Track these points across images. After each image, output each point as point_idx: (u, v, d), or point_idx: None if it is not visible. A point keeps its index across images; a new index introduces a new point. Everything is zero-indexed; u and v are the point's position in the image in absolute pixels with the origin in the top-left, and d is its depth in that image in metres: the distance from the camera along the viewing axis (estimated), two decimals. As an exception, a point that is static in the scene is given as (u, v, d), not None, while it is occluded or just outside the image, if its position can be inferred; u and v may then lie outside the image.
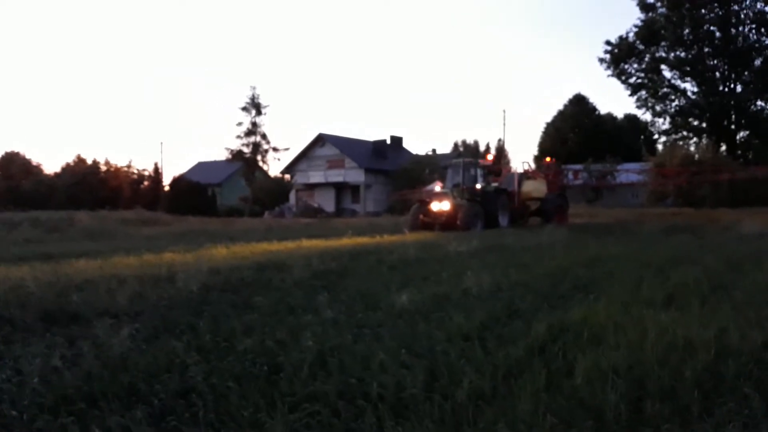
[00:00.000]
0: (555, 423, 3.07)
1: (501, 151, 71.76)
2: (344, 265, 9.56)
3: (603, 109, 75.56)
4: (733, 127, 52.31)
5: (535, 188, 27.22)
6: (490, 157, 29.36)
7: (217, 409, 3.49)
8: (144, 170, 60.30)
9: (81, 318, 5.66)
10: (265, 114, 49.19)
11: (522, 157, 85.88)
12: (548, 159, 31.74)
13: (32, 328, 5.33)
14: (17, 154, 60.94)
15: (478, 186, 24.16)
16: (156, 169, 59.60)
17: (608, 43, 53.26)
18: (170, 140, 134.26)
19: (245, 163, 49.78)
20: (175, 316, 5.80)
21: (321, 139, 56.36)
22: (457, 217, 22.30)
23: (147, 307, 6.21)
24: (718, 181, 38.39)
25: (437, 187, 25.75)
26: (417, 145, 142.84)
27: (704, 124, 51.87)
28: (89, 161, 58.68)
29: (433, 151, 66.63)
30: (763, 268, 8.71)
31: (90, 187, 51.70)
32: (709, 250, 11.78)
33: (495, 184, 25.85)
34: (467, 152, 70.24)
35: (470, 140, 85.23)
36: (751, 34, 49.81)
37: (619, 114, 75.54)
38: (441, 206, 22.94)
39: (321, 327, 5.35)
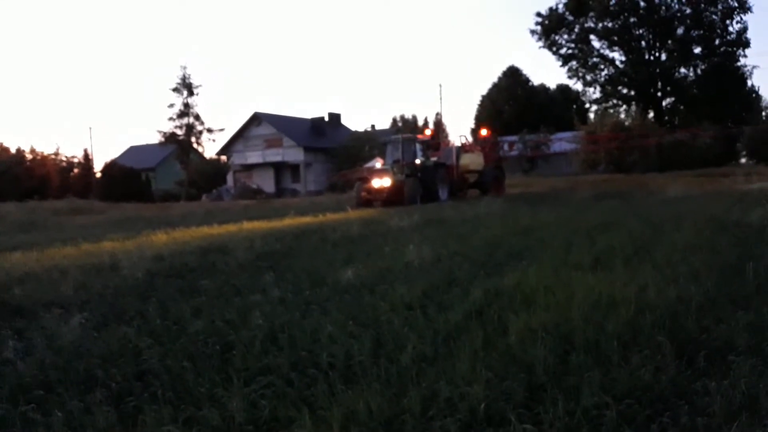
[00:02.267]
0: (491, 377, 3.37)
1: (439, 125, 72.50)
2: (288, 246, 9.71)
3: (536, 81, 77.13)
4: (659, 94, 54.42)
5: (473, 161, 27.78)
6: (428, 132, 29.72)
7: (174, 388, 3.64)
8: (73, 157, 57.93)
9: (25, 311, 5.65)
10: (197, 94, 48.22)
11: (460, 130, 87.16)
12: (485, 132, 32.31)
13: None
14: (-67, 145, 57.62)
15: (418, 161, 24.53)
16: (86, 156, 57.41)
17: (539, 14, 54.46)
18: (100, 125, 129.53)
19: (179, 146, 48.73)
20: (122, 304, 5.86)
21: (257, 119, 55.53)
22: (398, 193, 22.66)
23: (93, 296, 6.23)
24: (646, 146, 40.07)
25: (377, 164, 25.99)
26: (356, 121, 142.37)
27: (632, 92, 53.75)
28: (13, 150, 56.05)
29: (372, 127, 66.66)
30: (681, 228, 9.35)
31: (16, 177, 49.39)
32: (635, 214, 12.46)
33: (434, 159, 26.29)
34: (406, 127, 70.57)
35: (409, 115, 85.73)
36: (673, 3, 51.75)
37: (552, 85, 77.29)
38: (382, 183, 23.23)
39: (269, 306, 5.52)
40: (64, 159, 57.30)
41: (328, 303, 5.57)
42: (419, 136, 26.70)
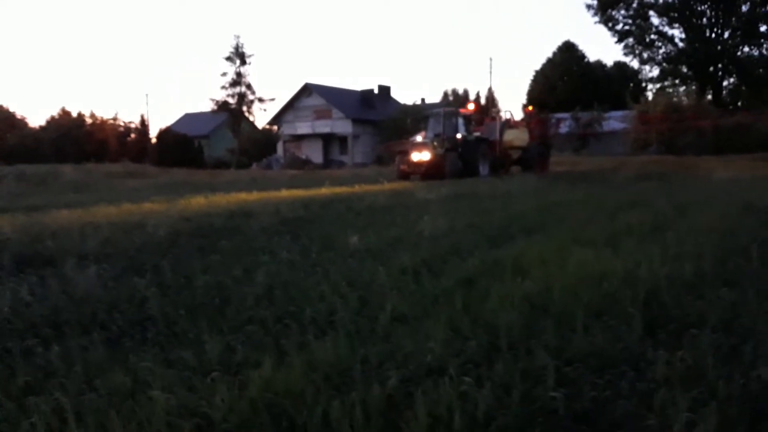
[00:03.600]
0: (452, 336, 3.55)
1: (491, 99, 71.62)
2: (313, 213, 10.01)
3: (592, 57, 75.11)
4: (720, 74, 52.27)
5: (517, 137, 27.50)
6: (471, 106, 29.51)
7: (168, 333, 3.96)
8: (130, 123, 59.96)
9: (54, 261, 6.08)
10: (249, 64, 48.98)
11: (513, 105, 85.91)
12: (530, 108, 31.88)
13: (7, 269, 5.76)
14: (1, 107, 60.35)
15: (459, 135, 24.43)
16: (142, 122, 59.19)
17: (596, -13, 52.68)
18: (157, 92, 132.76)
19: (231, 115, 49.68)
20: (142, 258, 6.25)
21: (307, 89, 56.02)
22: (438, 167, 22.68)
23: (117, 250, 6.65)
24: (701, 128, 38.72)
25: (419, 137, 26.04)
26: (406, 95, 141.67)
27: (691, 72, 51.77)
28: (74, 114, 58.29)
29: (422, 100, 66.30)
30: (705, 210, 9.21)
31: (76, 140, 51.47)
32: (669, 195, 12.26)
33: (477, 134, 26.12)
34: (456, 101, 69.98)
35: (460, 90, 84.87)
36: (739, -21, 49.35)
37: (609, 61, 75.15)
38: (421, 156, 23.29)
39: (276, 266, 5.81)
40: (122, 124, 59.33)
41: (332, 266, 5.82)
42: (462, 110, 26.53)
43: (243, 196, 14.19)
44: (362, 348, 3.44)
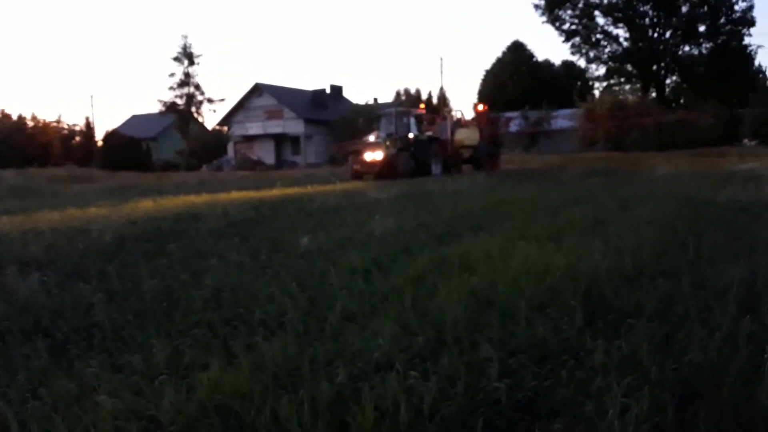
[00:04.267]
0: (400, 333, 3.63)
1: (442, 99, 72.27)
2: (262, 214, 9.97)
3: (541, 56, 76.42)
4: (662, 72, 54.05)
5: (468, 136, 27.84)
6: (421, 106, 29.75)
7: (115, 339, 3.92)
8: (75, 125, 58.25)
9: (-3, 267, 5.91)
10: (198, 64, 48.33)
11: (464, 104, 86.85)
12: (480, 107, 32.33)
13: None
14: (-64, 110, 57.83)
15: (411, 135, 24.62)
16: (87, 124, 57.66)
17: (543, -13, 53.86)
18: (102, 93, 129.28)
19: (179, 116, 48.89)
20: (86, 264, 6.13)
21: (258, 90, 55.49)
22: (390, 167, 22.80)
23: (61, 256, 6.50)
24: (645, 125, 40.01)
25: (372, 137, 26.11)
26: (359, 94, 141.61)
27: (635, 70, 53.40)
28: (15, 117, 56.28)
29: (375, 100, 66.40)
30: (647, 205, 9.56)
31: (17, 144, 49.71)
32: (612, 191, 12.65)
33: (428, 133, 26.35)
34: (409, 101, 70.36)
35: (413, 89, 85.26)
36: (677, -20, 51.11)
37: (557, 60, 76.75)
38: (374, 156, 23.37)
39: (224, 268, 5.79)
40: (65, 127, 57.55)
41: (282, 267, 5.82)
42: (413, 110, 26.74)
43: (191, 198, 14.00)
44: (311, 347, 3.48)
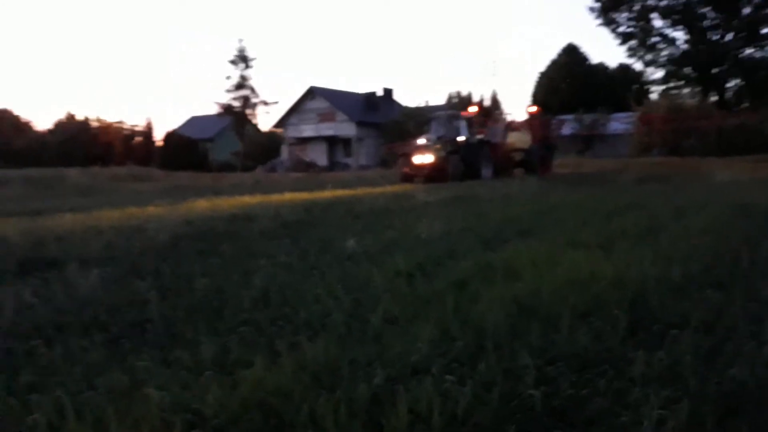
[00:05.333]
0: (438, 336, 3.67)
1: (495, 102, 71.78)
2: (313, 216, 10.14)
3: (596, 59, 74.97)
4: (723, 76, 52.12)
5: (519, 139, 27.61)
6: (473, 109, 29.59)
7: (166, 335, 4.09)
8: (136, 126, 60.32)
9: (57, 264, 6.22)
10: (253, 67, 49.20)
11: (517, 108, 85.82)
12: (533, 109, 31.95)
13: (12, 273, 5.91)
14: (7, 111, 60.70)
15: (461, 138, 24.55)
16: (148, 125, 59.59)
17: (598, -10, 52.61)
18: (163, 95, 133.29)
19: (235, 118, 49.98)
20: (143, 262, 6.38)
21: (312, 93, 56.29)
22: (440, 170, 22.80)
23: (119, 254, 6.78)
24: (704, 130, 38.72)
25: (422, 140, 26.16)
26: (410, 97, 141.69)
27: (694, 74, 51.66)
28: (80, 118, 58.63)
29: (426, 103, 66.49)
30: (701, 213, 9.30)
31: (82, 143, 51.82)
32: (667, 197, 12.35)
33: (479, 136, 26.23)
34: (461, 104, 70.11)
35: (465, 92, 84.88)
36: (740, -20, 49.21)
37: (613, 63, 75.25)
38: (423, 159, 23.42)
39: (273, 269, 5.94)
40: (127, 127, 59.59)
41: (328, 269, 5.94)
42: (463, 113, 26.64)
43: (246, 199, 14.34)
44: (352, 349, 3.56)
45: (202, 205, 13.03)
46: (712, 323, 3.98)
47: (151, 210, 11.93)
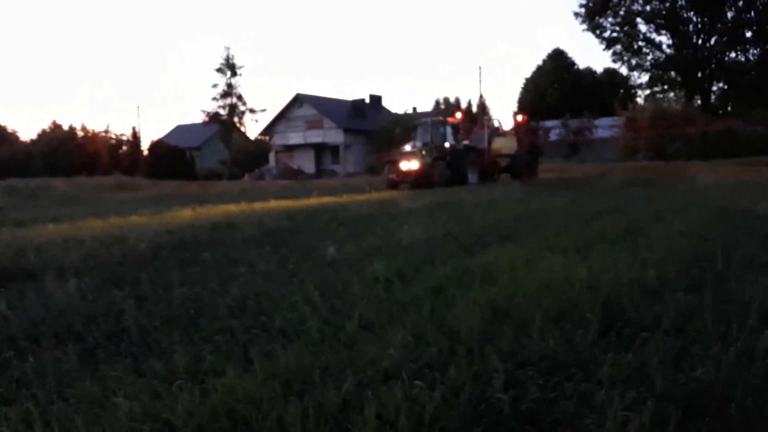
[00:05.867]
0: (411, 341, 3.70)
1: (482, 107, 72.07)
2: (296, 224, 10.15)
3: (582, 64, 75.61)
4: (708, 79, 52.74)
5: (505, 145, 27.76)
6: (458, 115, 29.71)
7: (141, 344, 4.09)
8: (122, 135, 59.98)
9: (37, 275, 6.19)
10: (240, 75, 49.17)
11: (504, 113, 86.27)
12: (519, 117, 32.21)
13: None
14: (-8, 122, 60.39)
15: (447, 144, 24.66)
16: (134, 134, 59.24)
17: (582, -4, 53.17)
18: (148, 104, 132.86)
19: (222, 126, 49.88)
20: (122, 271, 6.37)
21: (299, 100, 56.32)
22: (426, 176, 22.89)
23: (99, 263, 6.77)
24: (689, 134, 39.09)
25: (408, 147, 26.25)
26: (398, 104, 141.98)
27: (679, 78, 52.26)
28: (65, 127, 58.26)
29: (414, 109, 66.60)
30: (682, 216, 9.40)
31: (67, 153, 51.43)
32: (649, 201, 12.47)
33: (465, 142, 26.36)
34: (448, 109, 70.31)
35: (452, 98, 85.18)
36: (722, -14, 49.83)
37: (599, 68, 75.87)
38: (410, 165, 23.51)
39: (252, 276, 5.94)
40: (113, 136, 59.28)
41: (308, 276, 5.95)
42: (449, 119, 26.77)
43: (230, 207, 14.33)
44: (325, 355, 3.58)
45: (185, 214, 13.01)
46: (682, 325, 4.03)
47: (134, 219, 11.90)
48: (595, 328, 3.93)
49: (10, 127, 61.86)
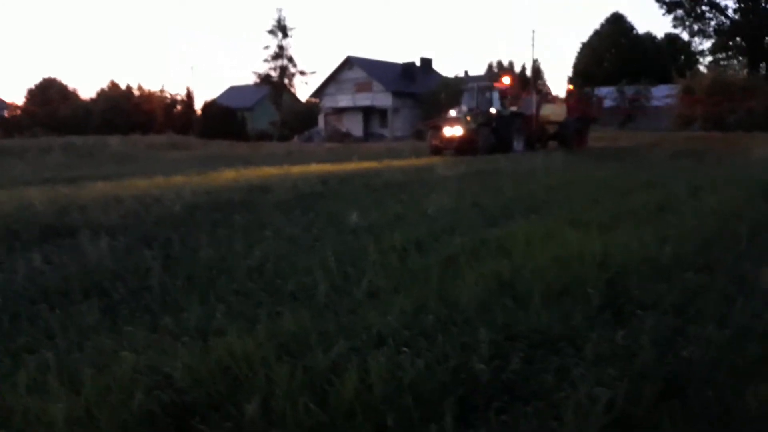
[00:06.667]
0: (410, 307, 3.85)
1: (536, 72, 70.39)
2: (330, 188, 10.34)
3: (642, 29, 72.82)
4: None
5: (554, 112, 27.20)
6: (506, 80, 29.13)
7: (162, 301, 4.36)
8: (177, 95, 61.18)
9: (76, 232, 6.55)
10: (291, 37, 49.31)
11: (559, 78, 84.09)
12: (571, 87, 31.45)
13: (34, 240, 6.27)
14: (54, 80, 62.28)
15: (493, 110, 24.31)
16: (188, 94, 60.31)
17: (645, -43, 50.92)
18: (203, 65, 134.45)
19: (273, 88, 50.26)
20: (156, 232, 6.68)
21: (349, 62, 56.03)
22: (470, 142, 22.68)
23: (135, 222, 7.11)
24: (749, 105, 37.39)
25: (453, 112, 25.99)
26: (449, 67, 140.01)
27: (744, 44, 49.77)
28: (123, 86, 59.78)
29: (466, 73, 65.46)
30: (720, 192, 9.16)
31: (124, 112, 52.90)
32: (692, 174, 12.13)
33: (513, 108, 25.91)
34: (500, 74, 68.92)
35: (505, 61, 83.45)
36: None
37: (660, 34, 72.88)
38: (453, 131, 23.29)
39: (276, 241, 6.16)
40: (168, 96, 60.50)
41: (329, 242, 6.13)
42: (496, 84, 26.30)
43: (272, 170, 14.63)
44: (327, 320, 3.76)
45: (228, 175, 13.35)
46: (684, 305, 4.04)
47: (177, 179, 12.30)
48: (596, 304, 3.99)
49: (71, 86, 63.79)
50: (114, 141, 32.01)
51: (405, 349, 3.18)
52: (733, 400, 2.87)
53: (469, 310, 3.88)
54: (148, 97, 58.27)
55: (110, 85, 60.55)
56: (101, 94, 59.35)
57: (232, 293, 4.44)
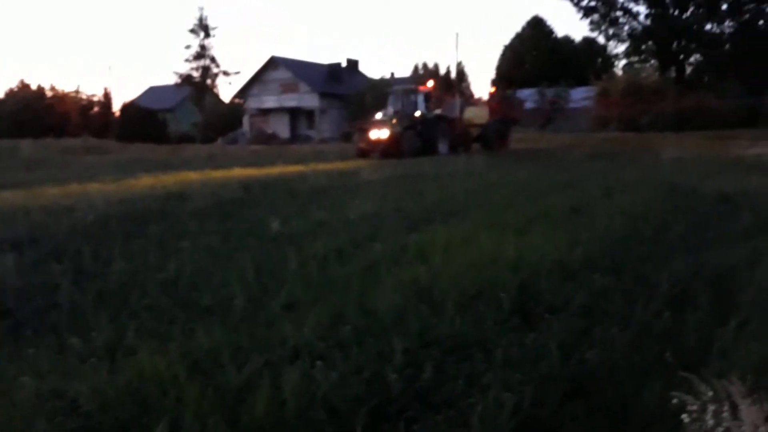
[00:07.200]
0: (328, 319, 3.86)
1: (460, 74, 71.70)
2: (251, 195, 10.20)
3: (562, 32, 75.45)
4: (683, 51, 52.82)
5: (476, 115, 27.76)
6: (430, 83, 29.54)
7: (70, 320, 4.19)
8: (93, 96, 58.76)
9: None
10: (213, 36, 48.19)
11: (483, 80, 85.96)
12: (493, 90, 32.25)
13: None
14: (-42, 79, 58.82)
15: (418, 113, 24.59)
16: (106, 95, 58.08)
17: (562, -36, 52.76)
18: (120, 65, 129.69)
19: (195, 88, 49.09)
20: (66, 245, 6.40)
21: (273, 62, 55.39)
22: (396, 145, 22.84)
23: (43, 235, 6.79)
24: (662, 106, 39.38)
25: (379, 115, 26.12)
26: (377, 68, 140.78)
27: (656, 48, 52.27)
28: (34, 87, 56.89)
29: (392, 75, 66.00)
30: (630, 193, 9.62)
31: (35, 113, 50.39)
32: (605, 175, 12.67)
33: (437, 111, 26.28)
34: (426, 76, 69.85)
35: (431, 64, 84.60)
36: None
37: (578, 37, 75.79)
38: (379, 134, 23.38)
39: (193, 252, 6.03)
40: (84, 97, 58.06)
41: (248, 252, 6.05)
42: (421, 87, 26.62)
43: (192, 175, 14.28)
44: (241, 334, 3.71)
45: (145, 181, 12.96)
46: (591, 307, 4.23)
47: (92, 187, 11.85)
48: (507, 308, 4.12)
49: (-24, 86, 60.24)
50: (25, 145, 30.44)
51: (319, 362, 3.19)
52: (632, 398, 3.03)
53: (386, 318, 3.93)
54: (62, 98, 55.70)
55: (20, 85, 57.50)
56: (10, 94, 56.28)
57: (144, 309, 4.33)
